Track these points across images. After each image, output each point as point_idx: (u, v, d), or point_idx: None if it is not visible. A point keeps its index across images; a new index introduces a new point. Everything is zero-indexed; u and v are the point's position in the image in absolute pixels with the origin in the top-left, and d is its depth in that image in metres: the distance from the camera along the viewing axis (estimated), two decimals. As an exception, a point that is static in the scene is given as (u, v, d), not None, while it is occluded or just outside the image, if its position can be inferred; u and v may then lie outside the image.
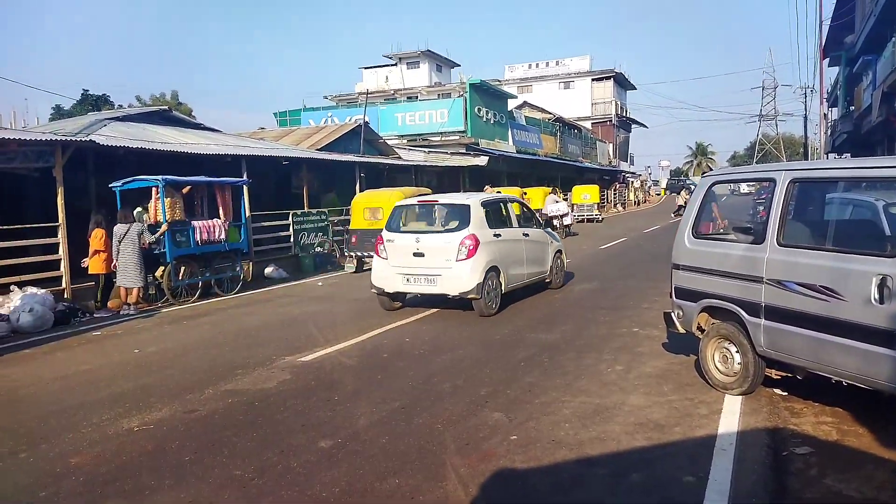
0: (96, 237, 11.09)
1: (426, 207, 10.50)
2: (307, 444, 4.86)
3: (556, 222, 22.94)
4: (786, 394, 5.52)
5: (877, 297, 4.18)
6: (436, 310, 10.13)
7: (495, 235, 9.73)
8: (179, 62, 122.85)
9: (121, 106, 40.71)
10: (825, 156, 37.75)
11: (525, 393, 5.91)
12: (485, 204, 9.99)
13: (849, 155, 33.36)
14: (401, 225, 10.21)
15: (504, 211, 10.66)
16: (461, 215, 9.59)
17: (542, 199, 22.70)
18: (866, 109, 23.95)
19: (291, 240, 16.20)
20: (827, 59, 35.82)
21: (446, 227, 9.76)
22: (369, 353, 7.60)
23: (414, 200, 11.00)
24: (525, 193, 21.36)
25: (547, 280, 11.46)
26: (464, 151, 28.13)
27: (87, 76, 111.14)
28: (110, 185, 11.59)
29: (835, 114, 37.82)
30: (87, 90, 43.08)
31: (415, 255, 9.56)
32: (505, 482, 4.18)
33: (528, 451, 4.61)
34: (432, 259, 9.43)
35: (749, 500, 3.81)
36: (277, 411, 5.66)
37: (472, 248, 9.21)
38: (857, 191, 6.11)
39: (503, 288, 9.78)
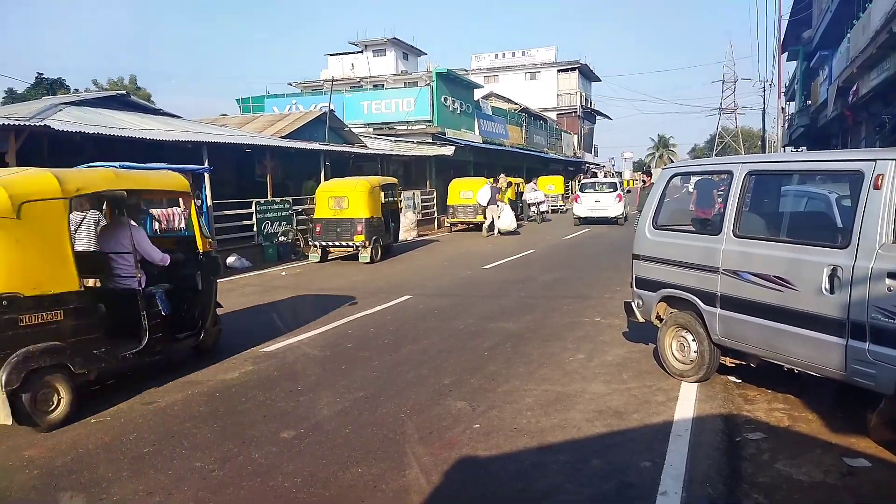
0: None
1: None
2: (269, 435, 4.83)
3: (533, 208, 26.47)
4: (740, 381, 5.68)
5: (827, 287, 4.32)
6: (402, 299, 10.14)
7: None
8: (138, 46, 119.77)
9: (77, 90, 39.56)
10: (782, 149, 38.70)
11: (488, 381, 5.96)
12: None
13: (805, 148, 34.26)
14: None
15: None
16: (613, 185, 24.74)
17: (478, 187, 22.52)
18: (822, 104, 24.59)
19: (255, 229, 15.99)
20: (785, 54, 36.65)
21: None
22: (333, 343, 7.57)
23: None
24: (491, 181, 22.29)
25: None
26: (430, 141, 28.05)
27: (41, 59, 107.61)
28: (66, 172, 11.26)
29: (792, 108, 38.72)
30: (42, 73, 41.60)
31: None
32: (467, 470, 4.22)
33: (490, 439, 4.66)
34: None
35: (703, 484, 3.92)
36: (239, 402, 5.61)
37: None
38: (812, 183, 6.30)
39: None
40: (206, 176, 13.64)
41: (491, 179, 22.91)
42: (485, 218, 21.28)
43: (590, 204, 24.45)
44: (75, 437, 4.91)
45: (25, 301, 4.93)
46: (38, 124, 11.00)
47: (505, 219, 21.18)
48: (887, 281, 3.97)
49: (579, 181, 49.47)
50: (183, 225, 12.10)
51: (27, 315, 4.94)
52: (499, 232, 20.97)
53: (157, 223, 11.58)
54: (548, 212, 29.22)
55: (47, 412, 5.04)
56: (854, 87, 17.79)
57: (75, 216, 10.48)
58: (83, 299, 5.33)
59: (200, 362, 6.75)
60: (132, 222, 6.59)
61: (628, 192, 29.91)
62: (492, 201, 21.13)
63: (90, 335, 5.37)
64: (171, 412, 5.41)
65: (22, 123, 10.59)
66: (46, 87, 39.03)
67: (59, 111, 14.29)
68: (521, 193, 27.66)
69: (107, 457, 4.55)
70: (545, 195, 28.60)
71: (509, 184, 25.00)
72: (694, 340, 5.61)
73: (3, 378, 4.71)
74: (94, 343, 5.40)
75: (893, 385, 3.96)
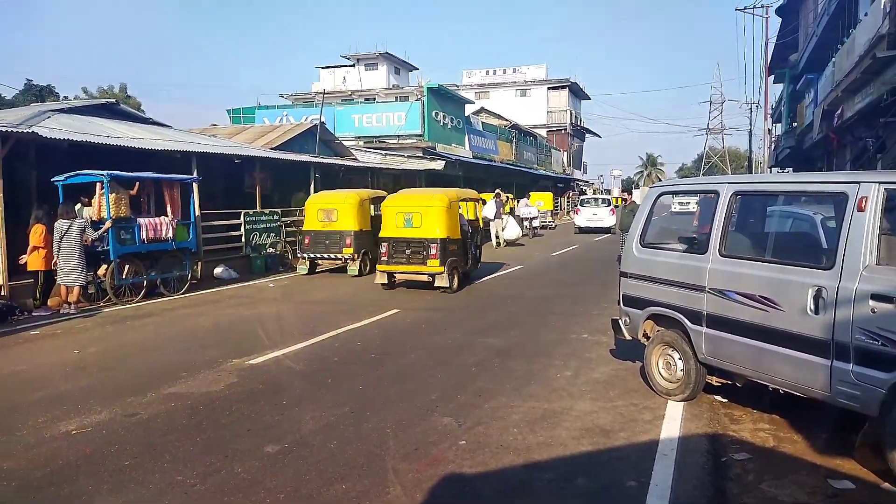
0: (36, 233, 10.68)
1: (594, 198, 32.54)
2: (252, 450, 4.78)
3: (526, 223, 27.43)
4: (726, 401, 5.70)
5: (812, 307, 4.35)
6: (390, 313, 10.11)
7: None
8: (129, 54, 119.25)
9: (66, 97, 39.37)
10: (769, 170, 39.10)
11: (475, 398, 5.94)
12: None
13: (790, 169, 34.66)
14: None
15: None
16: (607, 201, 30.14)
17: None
18: (808, 126, 24.93)
19: (243, 240, 15.92)
20: (772, 77, 37.18)
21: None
22: (319, 357, 7.52)
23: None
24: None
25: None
26: (420, 155, 28.17)
27: (31, 65, 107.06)
28: (52, 179, 11.18)
29: (779, 129, 39.25)
30: (31, 80, 41.46)
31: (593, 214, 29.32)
32: (452, 488, 4.19)
33: (476, 456, 4.63)
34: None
35: (688, 505, 3.91)
36: (222, 415, 5.54)
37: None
38: (797, 204, 6.36)
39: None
40: (195, 186, 13.58)
41: (494, 195, 23.48)
42: (489, 232, 21.87)
43: (588, 216, 30.43)
44: (55, 449, 4.83)
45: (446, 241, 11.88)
46: (25, 131, 10.92)
47: (511, 230, 22.83)
48: (871, 303, 4.01)
49: (569, 198, 50.58)
50: (171, 235, 12.03)
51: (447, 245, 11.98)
52: (506, 243, 22.56)
53: (144, 231, 11.48)
54: (539, 227, 29.96)
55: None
56: (839, 111, 18.06)
57: (61, 224, 10.44)
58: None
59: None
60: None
61: (616, 208, 32.45)
62: (497, 215, 22.25)
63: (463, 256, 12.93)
64: (154, 424, 5.34)
65: (9, 129, 10.50)
66: (35, 93, 38.86)
67: (48, 118, 14.20)
68: (513, 210, 27.88)
69: (87, 469, 4.48)
70: (537, 211, 30.04)
71: (507, 198, 26.32)
72: (680, 359, 5.62)
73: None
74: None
75: (877, 407, 3.98)
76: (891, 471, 4.01)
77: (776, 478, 4.24)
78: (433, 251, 12.02)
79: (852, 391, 4.13)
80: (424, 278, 12.36)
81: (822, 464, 4.43)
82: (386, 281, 12.71)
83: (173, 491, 4.14)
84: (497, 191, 24.85)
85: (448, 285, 12.05)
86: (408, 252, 12.31)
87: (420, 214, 12.39)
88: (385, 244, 12.52)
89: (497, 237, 22.39)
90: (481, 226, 15.25)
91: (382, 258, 12.54)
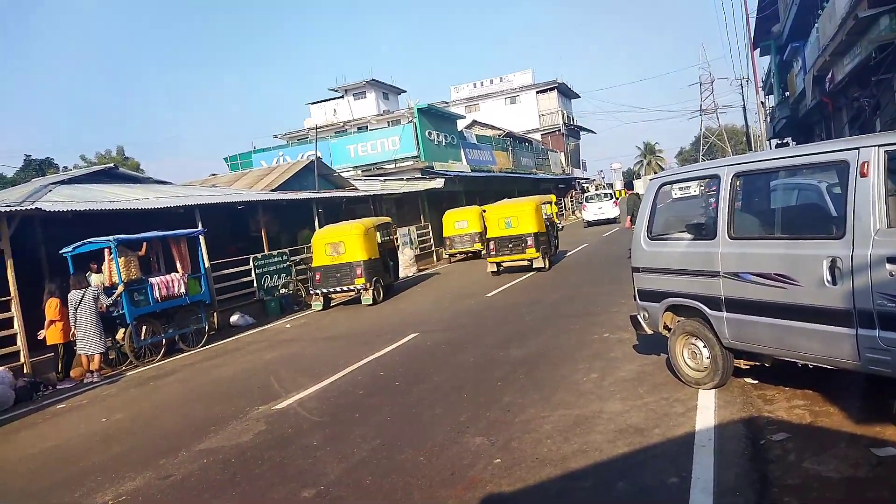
0: (51, 307, 10.78)
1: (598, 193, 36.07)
2: (289, 497, 4.76)
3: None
4: (756, 382, 5.62)
5: (829, 279, 4.30)
6: (409, 338, 10.08)
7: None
8: (123, 117, 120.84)
9: (66, 168, 39.94)
10: (768, 143, 38.92)
11: (504, 413, 5.89)
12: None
13: (790, 139, 34.48)
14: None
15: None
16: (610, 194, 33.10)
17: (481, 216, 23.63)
18: (801, 94, 24.84)
19: (255, 284, 15.99)
20: (758, 50, 37.08)
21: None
22: (345, 392, 7.50)
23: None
24: (485, 211, 21.53)
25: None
26: (419, 176, 28.23)
27: (28, 141, 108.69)
28: (61, 252, 11.31)
29: (772, 101, 39.06)
30: (30, 155, 42.17)
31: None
32: (493, 508, 4.14)
33: (512, 472, 4.58)
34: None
35: (734, 494, 3.84)
36: (255, 465, 5.53)
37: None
38: (800, 175, 6.30)
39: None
40: (201, 238, 13.68)
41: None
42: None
43: (594, 211, 34.81)
44: (94, 522, 4.83)
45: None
46: (28, 208, 11.06)
47: None
48: (887, 266, 3.95)
49: (572, 197, 51.14)
50: (183, 290, 12.10)
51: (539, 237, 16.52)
52: None
53: (157, 290, 11.56)
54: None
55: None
56: (829, 75, 18.00)
57: (75, 295, 10.53)
58: None
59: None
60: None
61: (619, 199, 37.24)
62: None
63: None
64: (189, 484, 5.33)
65: (12, 209, 10.64)
66: (35, 167, 39.44)
67: (50, 192, 14.38)
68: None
69: (127, 538, 4.47)
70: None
71: (549, 202, 26.80)
72: (705, 347, 5.56)
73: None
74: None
75: (910, 370, 3.91)
76: (934, 433, 3.93)
77: (817, 454, 4.16)
78: (530, 242, 16.48)
79: (882, 357, 4.07)
80: (525, 263, 16.71)
81: (862, 433, 4.35)
82: (496, 269, 17.24)
83: (215, 549, 4.11)
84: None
85: (543, 265, 16.59)
86: (510, 245, 16.80)
87: (516, 218, 16.93)
88: (492, 242, 17.14)
89: None
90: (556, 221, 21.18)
91: (491, 252, 17.16)
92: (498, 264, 17.15)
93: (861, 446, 4.18)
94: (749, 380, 5.69)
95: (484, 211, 21.02)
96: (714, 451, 4.42)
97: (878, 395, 4.56)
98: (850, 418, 4.63)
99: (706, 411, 5.16)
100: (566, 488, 4.24)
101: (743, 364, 5.50)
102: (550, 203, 20.25)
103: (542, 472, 4.54)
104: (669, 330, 6.01)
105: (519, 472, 4.58)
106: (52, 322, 10.78)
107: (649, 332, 6.31)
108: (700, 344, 5.61)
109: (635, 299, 6.40)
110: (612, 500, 4.01)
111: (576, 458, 4.66)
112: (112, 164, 22.48)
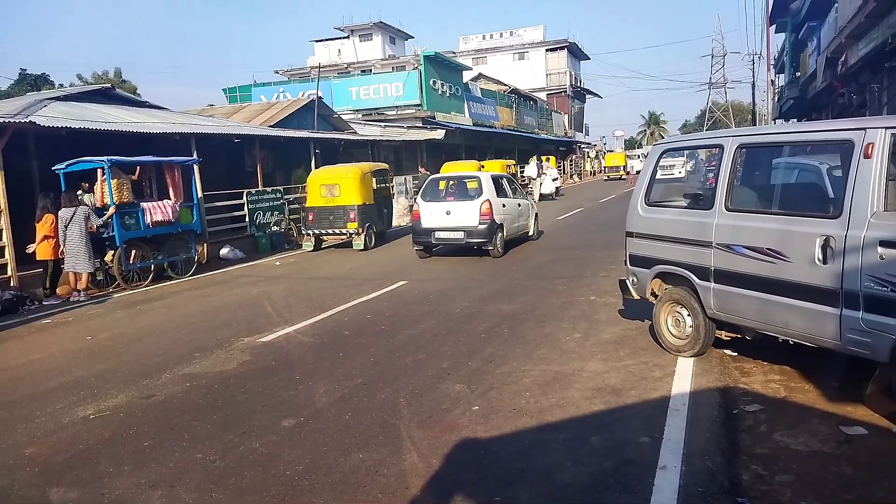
0: (46, 222, 10.71)
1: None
2: (269, 425, 4.84)
3: (531, 187, 28.92)
4: (736, 354, 5.72)
5: (820, 257, 4.33)
6: (398, 285, 10.13)
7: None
8: (122, 38, 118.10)
9: (61, 85, 39.21)
10: (773, 122, 38.67)
11: (486, 364, 5.98)
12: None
13: (795, 120, 34.26)
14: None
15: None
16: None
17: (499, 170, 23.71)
18: (811, 75, 24.57)
19: (247, 219, 15.93)
20: (773, 26, 36.50)
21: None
22: (330, 332, 7.57)
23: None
24: (482, 167, 21.63)
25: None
26: (420, 125, 27.93)
27: (24, 55, 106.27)
28: (53, 168, 11.18)
29: (782, 80, 38.67)
30: (25, 69, 41.36)
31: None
32: (467, 452, 4.23)
33: (489, 420, 4.68)
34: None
35: (702, 458, 3.94)
36: (238, 393, 5.61)
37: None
38: (802, 155, 6.29)
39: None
40: (196, 167, 13.55)
41: (536, 158, 31.59)
42: (529, 187, 26.77)
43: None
44: (75, 434, 4.91)
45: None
46: (23, 121, 10.88)
47: (546, 186, 28.76)
48: (879, 249, 3.98)
49: (572, 160, 52.33)
50: (175, 217, 12.04)
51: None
52: (540, 196, 27.30)
53: (148, 215, 11.50)
54: (552, 193, 30.01)
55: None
56: (843, 58, 17.77)
57: (65, 212, 10.46)
58: None
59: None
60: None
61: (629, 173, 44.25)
62: (538, 174, 28.66)
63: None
64: (171, 405, 5.41)
65: (6, 120, 10.46)
66: (30, 83, 38.71)
67: (44, 107, 14.11)
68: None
69: (107, 452, 4.55)
70: (558, 173, 33.37)
71: (548, 159, 34.45)
72: (689, 315, 5.63)
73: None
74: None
75: (888, 353, 3.98)
76: (903, 415, 4.03)
77: (788, 427, 4.27)
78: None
79: (862, 338, 4.13)
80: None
81: (833, 411, 4.45)
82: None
83: (193, 468, 4.20)
84: (534, 156, 31.90)
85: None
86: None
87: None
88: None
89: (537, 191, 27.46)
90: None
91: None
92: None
93: (831, 423, 4.28)
94: (729, 351, 5.78)
95: (482, 167, 21.09)
96: (687, 415, 4.51)
97: (853, 377, 4.65)
98: (824, 396, 4.73)
99: (683, 378, 5.25)
100: (540, 439, 4.34)
101: (724, 335, 5.58)
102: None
103: (518, 421, 4.63)
104: (656, 297, 6.07)
105: (496, 420, 4.68)
106: (45, 237, 10.73)
107: (636, 297, 6.37)
108: (685, 312, 5.67)
109: (626, 263, 6.43)
110: (584, 452, 4.10)
111: (552, 412, 4.76)
112: (109, 85, 22.06)
